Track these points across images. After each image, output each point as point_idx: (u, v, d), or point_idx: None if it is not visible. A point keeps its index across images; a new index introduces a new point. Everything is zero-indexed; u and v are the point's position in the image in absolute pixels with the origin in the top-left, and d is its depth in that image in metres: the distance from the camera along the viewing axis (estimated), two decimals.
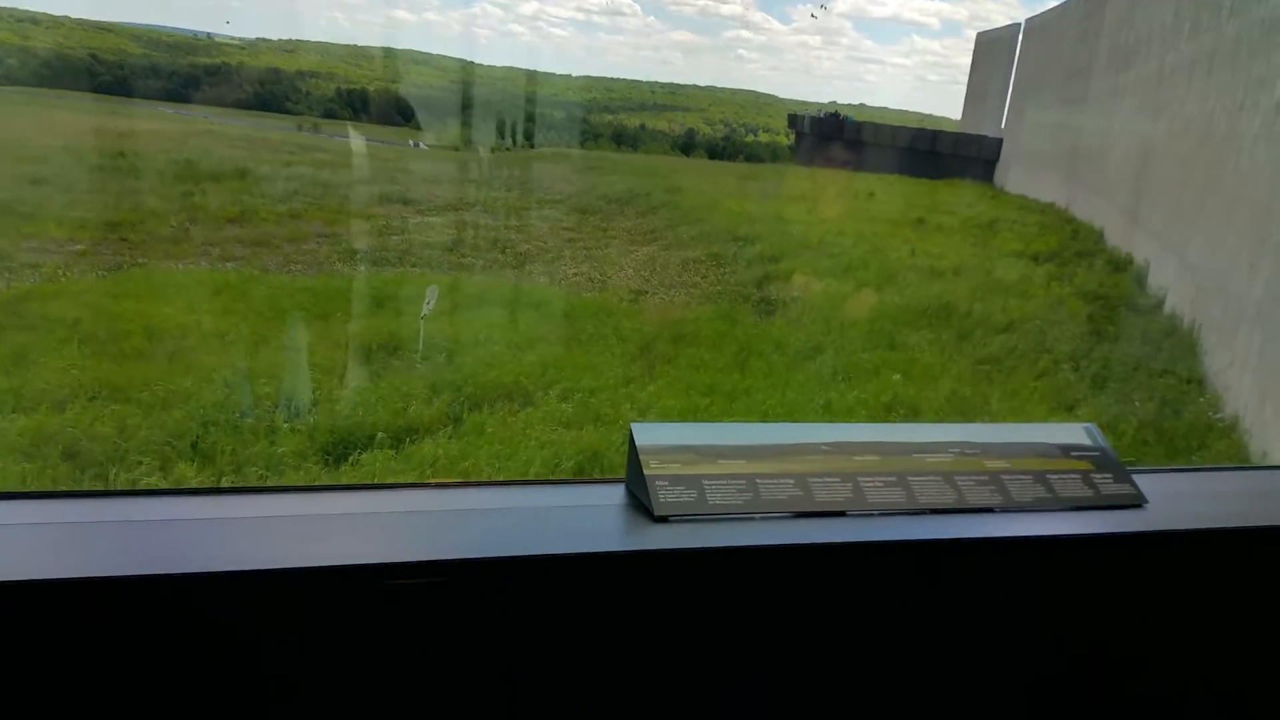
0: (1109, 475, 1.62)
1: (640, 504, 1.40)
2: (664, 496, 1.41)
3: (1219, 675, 1.57)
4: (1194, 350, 7.48)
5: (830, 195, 16.17)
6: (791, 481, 1.48)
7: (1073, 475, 1.62)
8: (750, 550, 1.32)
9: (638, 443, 1.47)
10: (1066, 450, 1.66)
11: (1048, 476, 1.60)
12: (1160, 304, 8.99)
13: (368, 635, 1.21)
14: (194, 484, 4.70)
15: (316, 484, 1.53)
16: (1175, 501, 1.59)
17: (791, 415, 5.59)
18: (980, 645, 1.47)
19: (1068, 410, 6.11)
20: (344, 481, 4.52)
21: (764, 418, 5.57)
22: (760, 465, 1.50)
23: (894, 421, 5.59)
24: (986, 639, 1.47)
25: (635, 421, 1.50)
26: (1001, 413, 5.82)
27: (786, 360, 6.67)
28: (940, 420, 5.65)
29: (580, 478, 1.61)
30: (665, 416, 5.49)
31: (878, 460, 1.55)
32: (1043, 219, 14.16)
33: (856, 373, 6.38)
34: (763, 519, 1.41)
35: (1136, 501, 1.58)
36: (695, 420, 5.45)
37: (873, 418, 5.58)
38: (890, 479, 1.52)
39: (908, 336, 7.20)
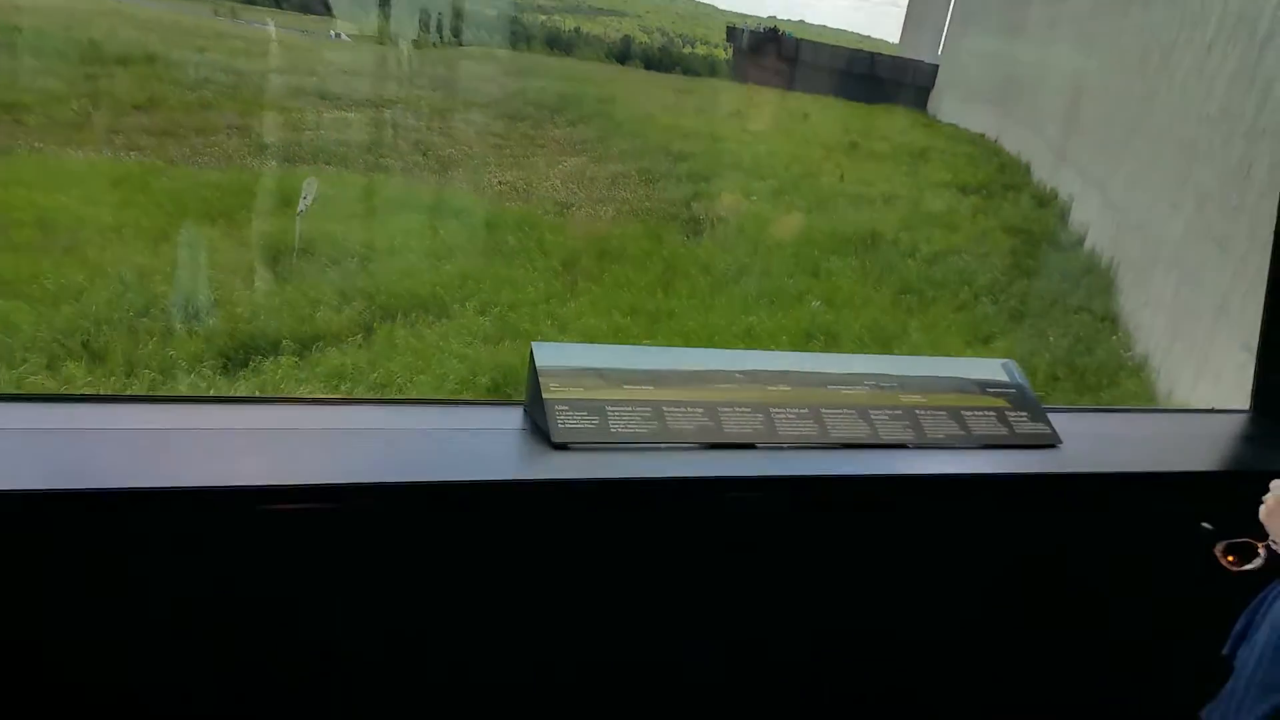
0: (1024, 414, 1.58)
1: (539, 429, 1.31)
2: (563, 422, 1.31)
3: (1128, 612, 1.56)
4: (1110, 288, 7.63)
5: (765, 114, 15.99)
6: (700, 411, 1.40)
7: (988, 413, 1.57)
8: (654, 482, 1.24)
9: (538, 364, 1.37)
10: (983, 386, 1.61)
11: (963, 413, 1.55)
12: (1081, 240, 9.13)
13: (246, 556, 1.10)
14: (83, 386, 4.47)
15: (198, 394, 1.40)
16: (1089, 443, 1.56)
17: (713, 339, 5.54)
18: (890, 581, 1.43)
19: (984, 344, 6.18)
20: (241, 392, 4.34)
21: (686, 340, 5.51)
22: (668, 392, 1.42)
23: (812, 349, 5.58)
24: (897, 575, 1.43)
25: (540, 341, 1.40)
26: (920, 344, 5.86)
27: (712, 282, 6.60)
28: (857, 350, 5.67)
29: (478, 399, 1.50)
30: (587, 336, 5.39)
31: (791, 391, 1.48)
32: (972, 150, 14.23)
33: (780, 298, 6.34)
34: (668, 449, 1.34)
35: (1051, 441, 1.54)
36: (612, 342, 5.37)
37: (793, 344, 5.56)
38: (803, 411, 1.45)
39: (833, 263, 7.18)
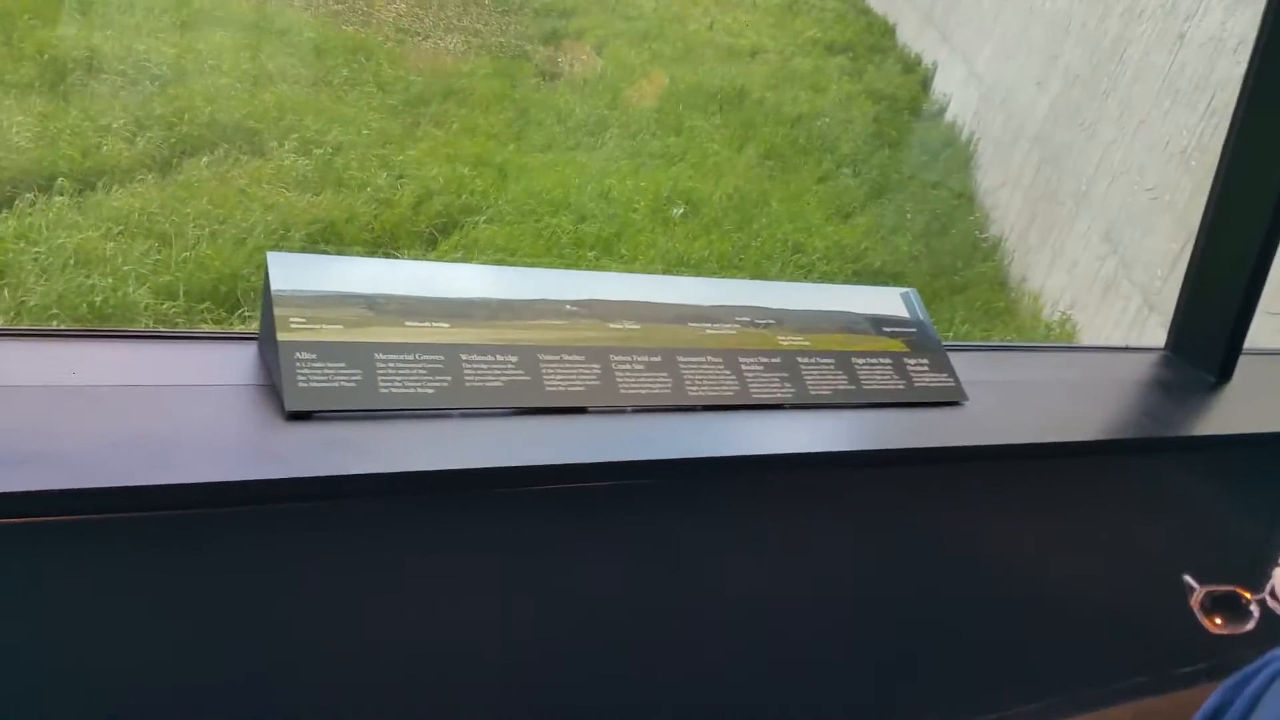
0: (925, 361, 1.29)
1: (274, 386, 0.92)
2: (305, 379, 0.91)
3: (1038, 602, 1.32)
4: (968, 164, 7.53)
5: None
6: (514, 360, 1.03)
7: (883, 360, 1.27)
8: (435, 477, 0.87)
9: (274, 286, 0.95)
10: (878, 324, 1.30)
11: (853, 361, 1.24)
12: (942, 111, 8.98)
13: None
14: None
15: None
16: (995, 396, 1.28)
17: (566, 201, 5.08)
18: (746, 585, 1.13)
19: (844, 219, 5.96)
20: None
21: (536, 200, 5.03)
22: (469, 331, 1.03)
23: (672, 217, 5.21)
24: (762, 572, 1.13)
25: (278, 251, 0.98)
26: (780, 216, 5.57)
27: (568, 134, 6.07)
28: (715, 222, 5.31)
29: (201, 331, 1.04)
30: (424, 187, 4.83)
31: (638, 330, 1.12)
32: (840, 6, 13.81)
33: (640, 157, 5.90)
34: (464, 418, 0.97)
35: (955, 398, 1.25)
36: (454, 198, 4.82)
37: (650, 209, 5.17)
38: (654, 358, 1.10)
39: (696, 120, 6.75)
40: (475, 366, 0.97)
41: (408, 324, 0.97)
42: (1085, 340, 4.83)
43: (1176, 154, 4.37)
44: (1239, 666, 0.82)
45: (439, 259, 4.46)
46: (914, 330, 1.29)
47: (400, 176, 5.06)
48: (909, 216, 6.50)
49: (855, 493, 1.13)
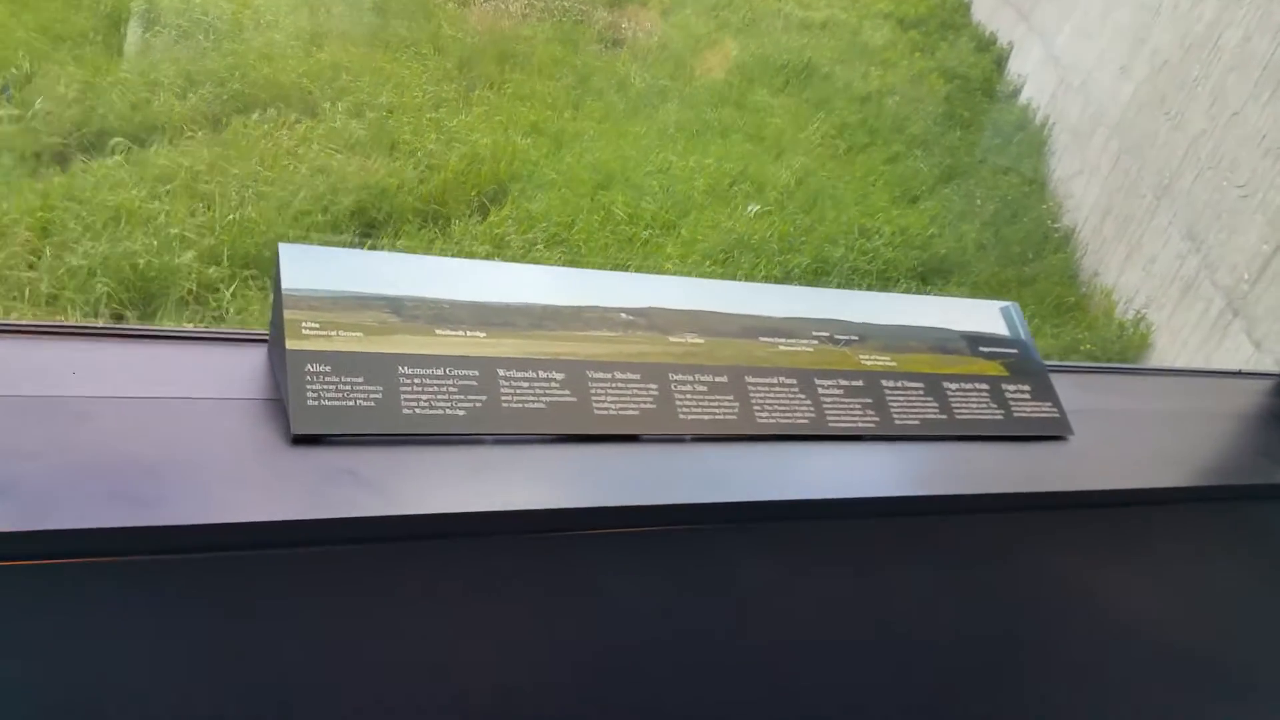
0: (1026, 387, 1.13)
1: (280, 400, 0.80)
2: (315, 396, 0.79)
3: (1145, 669, 1.18)
4: (1042, 150, 7.24)
5: None
6: (559, 378, 0.90)
7: (979, 385, 1.11)
8: (460, 520, 0.75)
9: (285, 284, 0.83)
10: (973, 343, 1.15)
11: (945, 386, 1.09)
12: (1016, 93, 8.65)
13: None
14: None
15: None
16: (1101, 428, 1.13)
17: (623, 174, 4.93)
18: (825, 636, 1.00)
19: (911, 203, 5.74)
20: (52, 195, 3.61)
21: (593, 172, 4.89)
22: (509, 342, 0.90)
23: (734, 196, 5.03)
24: (833, 626, 1.00)
25: (289, 243, 0.85)
26: (847, 199, 5.37)
27: (628, 104, 5.91)
28: (778, 204, 5.13)
29: (205, 331, 0.92)
30: (474, 153, 4.71)
31: (702, 345, 0.99)
32: None
33: (703, 131, 5.72)
34: (498, 445, 0.84)
35: (1060, 431, 1.10)
36: (506, 168, 4.69)
37: (711, 190, 5.00)
38: (719, 379, 0.97)
39: (762, 95, 6.54)
40: (514, 384, 0.84)
41: (438, 332, 0.84)
42: (1160, 342, 4.59)
43: (1274, 149, 4.09)
44: None
45: (490, 229, 4.36)
46: (1015, 351, 1.13)
47: (452, 141, 4.95)
48: (978, 202, 6.26)
49: (943, 538, 0.98)
